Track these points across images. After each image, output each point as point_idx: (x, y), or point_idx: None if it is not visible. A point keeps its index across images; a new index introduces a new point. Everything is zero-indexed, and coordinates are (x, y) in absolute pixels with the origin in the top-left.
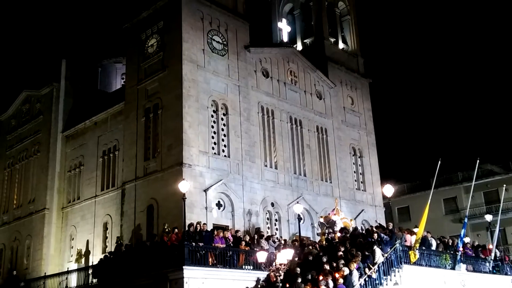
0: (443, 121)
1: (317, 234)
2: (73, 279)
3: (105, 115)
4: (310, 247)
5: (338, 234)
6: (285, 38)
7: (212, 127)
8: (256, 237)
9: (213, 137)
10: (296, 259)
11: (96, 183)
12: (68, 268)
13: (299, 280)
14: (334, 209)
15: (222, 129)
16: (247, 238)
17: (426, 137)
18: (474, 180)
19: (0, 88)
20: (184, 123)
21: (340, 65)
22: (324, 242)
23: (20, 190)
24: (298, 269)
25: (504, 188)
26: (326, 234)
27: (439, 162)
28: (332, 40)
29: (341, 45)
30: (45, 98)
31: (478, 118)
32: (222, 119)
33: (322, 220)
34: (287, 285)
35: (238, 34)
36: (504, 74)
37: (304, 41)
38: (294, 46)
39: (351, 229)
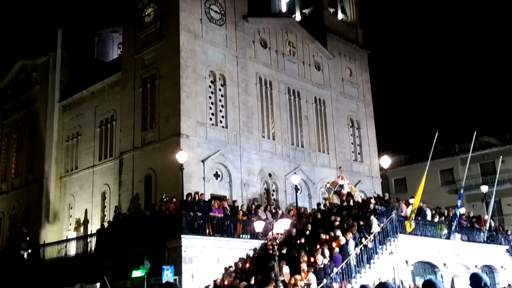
0: (441, 93)
1: (324, 199)
2: (72, 248)
3: (102, 85)
4: (320, 206)
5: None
6: (284, 8)
7: (210, 98)
8: (253, 207)
9: (210, 108)
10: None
11: (94, 153)
12: (67, 237)
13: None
14: (339, 176)
15: (220, 100)
16: (245, 208)
17: (424, 108)
18: (471, 152)
19: None
20: (181, 93)
21: (339, 36)
22: (332, 204)
23: (18, 159)
24: (309, 225)
25: (500, 159)
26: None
27: (437, 133)
28: (331, 10)
29: (340, 16)
30: (41, 68)
31: (476, 90)
32: (219, 90)
33: (328, 185)
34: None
35: (236, 4)
36: (502, 46)
37: (303, 11)
38: (293, 16)
39: (356, 195)
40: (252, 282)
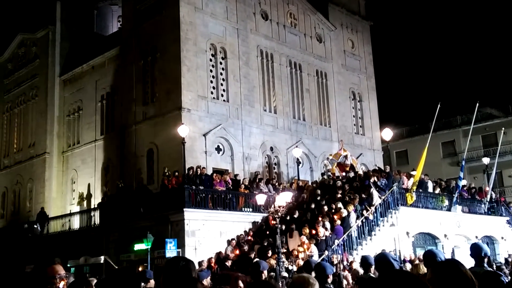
0: (443, 65)
1: (327, 170)
2: (76, 221)
3: (102, 59)
4: (325, 177)
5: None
6: None
7: (211, 71)
8: (256, 180)
9: (211, 82)
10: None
11: (96, 127)
12: (70, 211)
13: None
14: (341, 149)
15: (221, 73)
16: (246, 181)
17: (426, 81)
18: (472, 124)
19: None
20: (182, 67)
21: (341, 7)
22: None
23: (20, 134)
24: (319, 191)
25: (502, 131)
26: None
27: (439, 105)
28: None
29: None
30: (41, 42)
31: (478, 62)
32: (220, 63)
33: (331, 157)
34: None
35: None
36: (505, 17)
37: None
38: None
39: (357, 167)
40: (266, 244)
